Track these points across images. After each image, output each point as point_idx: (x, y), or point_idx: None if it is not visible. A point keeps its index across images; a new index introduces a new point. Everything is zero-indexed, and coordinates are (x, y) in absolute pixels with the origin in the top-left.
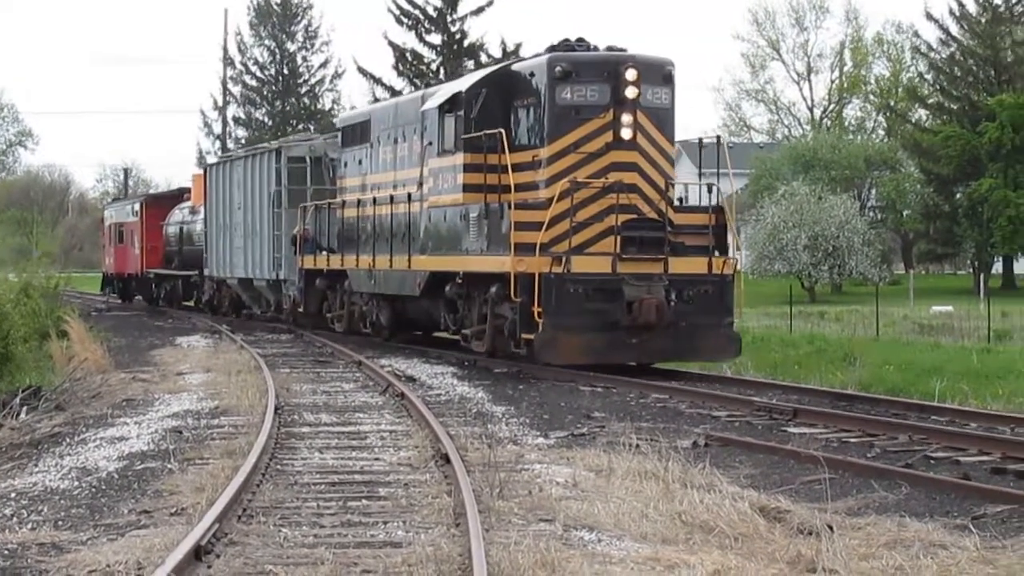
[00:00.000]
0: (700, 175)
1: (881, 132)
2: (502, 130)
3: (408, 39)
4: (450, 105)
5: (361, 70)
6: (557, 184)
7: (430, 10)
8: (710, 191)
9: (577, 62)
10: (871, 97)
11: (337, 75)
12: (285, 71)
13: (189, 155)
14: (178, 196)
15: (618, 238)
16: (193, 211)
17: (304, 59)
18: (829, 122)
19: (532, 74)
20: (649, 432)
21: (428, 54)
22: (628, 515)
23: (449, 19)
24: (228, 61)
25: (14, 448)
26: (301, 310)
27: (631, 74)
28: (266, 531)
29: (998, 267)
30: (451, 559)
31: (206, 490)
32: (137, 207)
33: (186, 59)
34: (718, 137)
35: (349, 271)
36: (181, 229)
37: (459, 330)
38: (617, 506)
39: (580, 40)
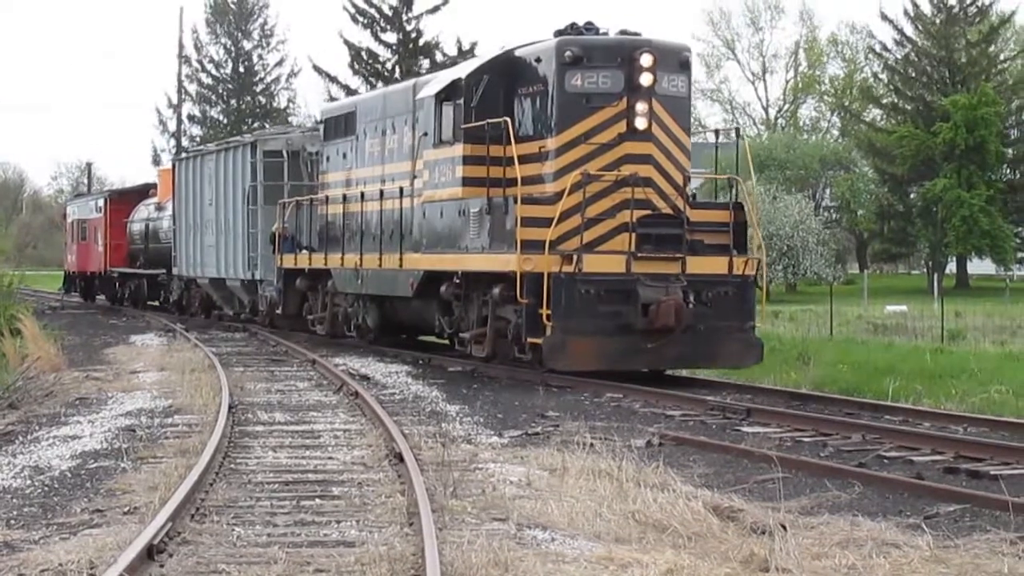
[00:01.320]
0: (716, 169)
1: (835, 132)
2: (507, 119)
3: (364, 38)
4: (448, 93)
5: (317, 69)
6: (566, 177)
7: (385, 9)
8: (731, 186)
9: (588, 46)
10: (825, 97)
11: (293, 74)
12: (241, 69)
13: (144, 153)
14: (143, 192)
15: (633, 235)
16: (159, 207)
17: (260, 57)
18: (784, 122)
19: (539, 59)
20: (603, 431)
21: (383, 53)
22: (582, 514)
23: (404, 18)
24: (184, 59)
25: None
26: (279, 311)
27: (647, 60)
28: (219, 530)
29: (952, 267)
30: (404, 558)
31: (159, 489)
32: (101, 203)
33: (142, 57)
34: (736, 130)
35: (333, 271)
36: (147, 226)
37: (455, 333)
38: (571, 505)
39: (588, 24)
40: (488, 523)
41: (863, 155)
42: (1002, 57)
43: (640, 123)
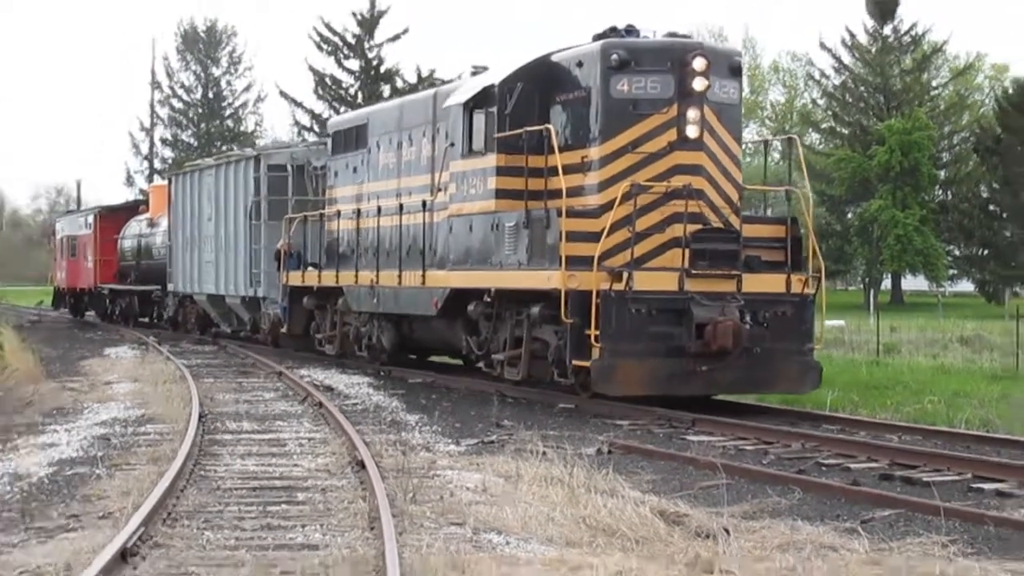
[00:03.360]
0: (764, 179)
1: (776, 155)
2: (549, 126)
3: (328, 64)
4: (479, 101)
5: (283, 94)
6: (612, 188)
7: (349, 37)
8: (788, 199)
9: (636, 49)
10: (767, 122)
11: (260, 99)
12: (210, 95)
13: (118, 174)
14: (133, 208)
15: (686, 251)
16: (151, 224)
17: (228, 83)
18: None
19: (580, 64)
20: (555, 440)
21: (347, 79)
22: (535, 519)
23: (367, 45)
24: (156, 85)
25: None
26: (284, 330)
27: (699, 63)
28: (189, 534)
29: (887, 284)
30: (366, 561)
31: (132, 495)
32: (90, 220)
33: (115, 82)
34: (790, 138)
35: (345, 288)
36: (139, 242)
37: (486, 355)
38: (524, 510)
39: (629, 27)
40: (446, 527)
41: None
42: (934, 84)
43: (692, 131)
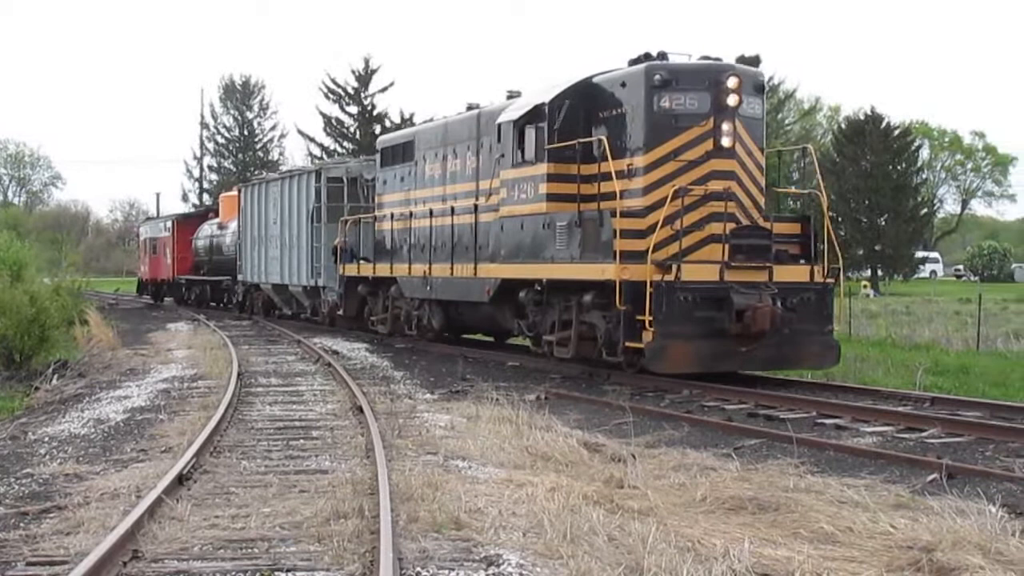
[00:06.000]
0: (779, 182)
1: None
2: (602, 137)
3: (333, 109)
4: (530, 118)
5: (300, 132)
6: (657, 191)
7: (349, 89)
8: (812, 200)
9: (676, 70)
10: None
11: (283, 135)
12: (245, 132)
13: (175, 192)
14: (203, 215)
15: (726, 246)
16: (221, 226)
17: (259, 123)
18: None
19: (623, 84)
20: (505, 389)
21: (348, 120)
22: (490, 448)
23: (363, 95)
24: (204, 125)
25: (48, 405)
26: (341, 313)
27: (733, 82)
28: (231, 463)
29: None
30: (363, 481)
31: (187, 433)
32: (169, 224)
33: (172, 123)
34: (804, 148)
35: (399, 278)
36: (211, 242)
37: (535, 336)
38: (482, 442)
39: (661, 53)
40: (423, 456)
41: None
42: (787, 122)
43: (726, 141)
